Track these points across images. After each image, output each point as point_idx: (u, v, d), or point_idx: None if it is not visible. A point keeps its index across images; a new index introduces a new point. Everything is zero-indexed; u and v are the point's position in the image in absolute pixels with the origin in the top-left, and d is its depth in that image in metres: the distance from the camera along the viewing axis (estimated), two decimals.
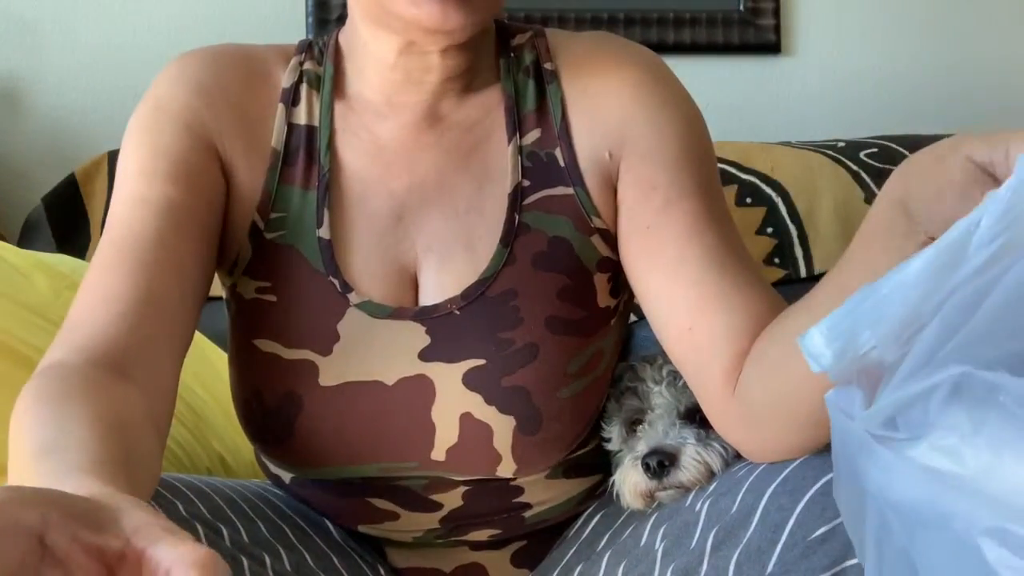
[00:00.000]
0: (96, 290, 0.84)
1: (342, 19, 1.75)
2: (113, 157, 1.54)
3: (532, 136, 0.95)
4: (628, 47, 0.97)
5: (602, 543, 0.94)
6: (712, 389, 0.86)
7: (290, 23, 1.75)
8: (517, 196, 0.93)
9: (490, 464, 0.92)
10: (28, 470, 0.64)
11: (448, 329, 0.90)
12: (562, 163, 0.94)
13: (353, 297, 0.91)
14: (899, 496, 0.53)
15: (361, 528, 0.99)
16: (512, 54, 0.97)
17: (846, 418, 0.57)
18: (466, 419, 0.89)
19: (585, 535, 0.98)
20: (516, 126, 0.95)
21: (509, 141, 0.94)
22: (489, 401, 0.89)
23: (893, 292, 0.56)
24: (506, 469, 0.92)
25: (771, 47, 1.87)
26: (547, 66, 0.96)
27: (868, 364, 0.56)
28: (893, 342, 0.55)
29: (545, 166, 0.94)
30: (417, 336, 0.91)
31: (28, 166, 1.67)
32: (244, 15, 1.74)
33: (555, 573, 0.96)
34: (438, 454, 0.91)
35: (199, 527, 0.79)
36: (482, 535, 0.98)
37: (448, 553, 1.00)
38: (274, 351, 0.91)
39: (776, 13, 1.86)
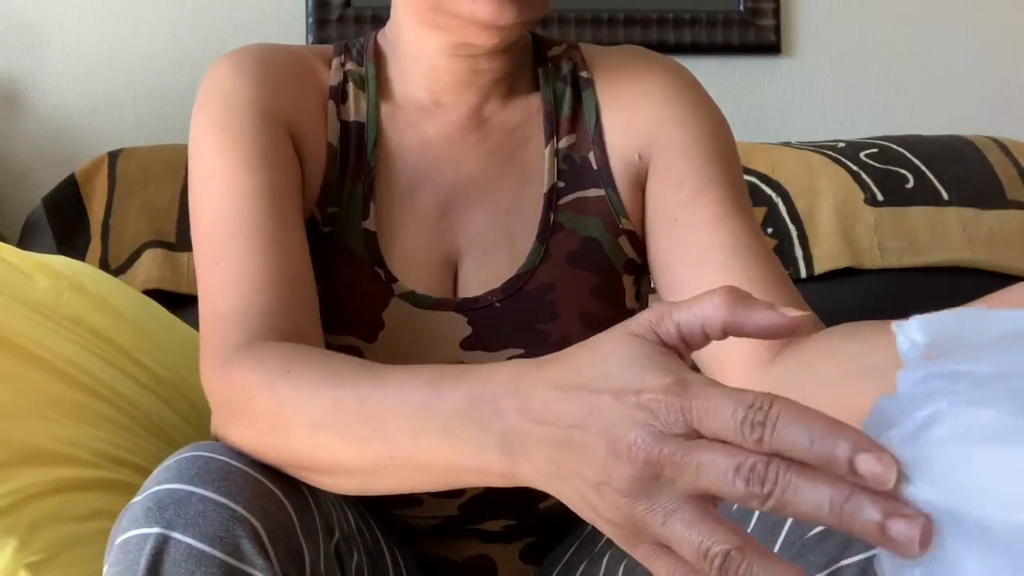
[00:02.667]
0: (245, 277, 0.84)
1: (343, 19, 1.77)
2: (113, 157, 1.54)
3: (567, 140, 0.99)
4: (657, 57, 1.02)
5: (602, 540, 0.94)
6: (738, 377, 0.87)
7: (290, 23, 1.75)
8: (552, 196, 0.97)
9: None
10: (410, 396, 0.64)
11: (488, 320, 0.93)
12: (595, 166, 0.98)
13: (397, 287, 0.94)
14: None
15: (385, 513, 0.99)
16: (550, 64, 1.02)
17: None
18: None
19: (587, 532, 0.98)
20: (553, 130, 0.99)
21: (546, 144, 0.98)
22: None
23: (1009, 326, 0.53)
24: None
25: (771, 47, 1.87)
26: (583, 74, 1.01)
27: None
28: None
29: (579, 168, 0.98)
30: (459, 326, 0.93)
31: (28, 166, 1.67)
32: (244, 15, 1.74)
33: (557, 571, 0.97)
34: None
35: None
36: (496, 525, 0.99)
37: (460, 543, 1.00)
38: (354, 344, 0.93)
39: (776, 13, 1.86)
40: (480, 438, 0.59)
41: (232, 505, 0.68)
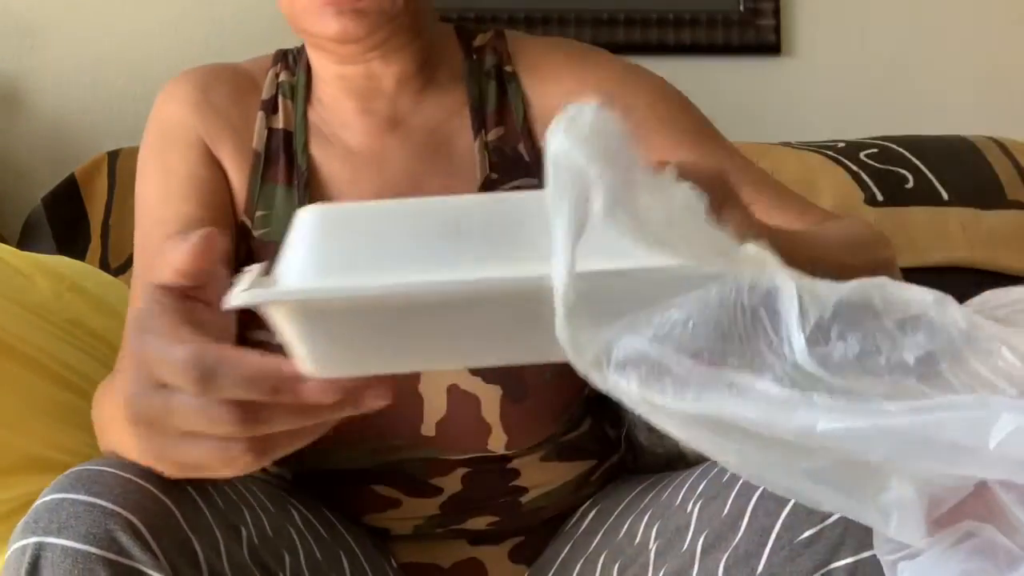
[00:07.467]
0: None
1: None
2: (113, 157, 1.54)
3: (495, 133, 1.01)
4: (581, 49, 1.05)
5: (597, 539, 0.95)
6: None
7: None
8: (487, 188, 0.99)
9: (480, 436, 0.94)
10: None
11: None
12: (526, 158, 1.00)
13: None
14: None
15: (364, 519, 0.99)
16: (475, 55, 1.04)
17: None
18: (453, 391, 0.92)
19: (580, 532, 0.99)
20: (481, 123, 1.01)
21: (475, 138, 1.00)
22: (474, 372, 0.92)
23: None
24: (497, 442, 0.94)
25: (771, 47, 1.87)
26: (507, 69, 1.03)
27: None
28: None
29: (510, 160, 1.00)
30: None
31: (28, 166, 1.67)
32: (244, 16, 1.74)
33: (552, 571, 0.97)
34: (428, 429, 0.93)
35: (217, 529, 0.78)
36: (480, 523, 0.99)
37: (447, 548, 1.01)
38: (264, 338, 0.93)
39: (776, 13, 1.86)
40: None
41: (102, 503, 0.70)
